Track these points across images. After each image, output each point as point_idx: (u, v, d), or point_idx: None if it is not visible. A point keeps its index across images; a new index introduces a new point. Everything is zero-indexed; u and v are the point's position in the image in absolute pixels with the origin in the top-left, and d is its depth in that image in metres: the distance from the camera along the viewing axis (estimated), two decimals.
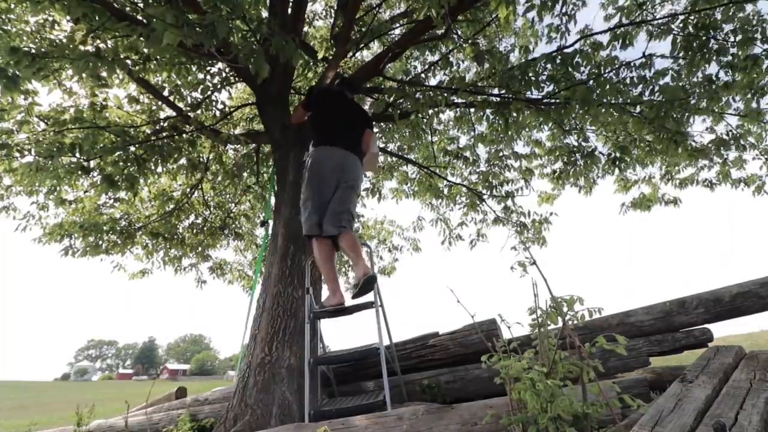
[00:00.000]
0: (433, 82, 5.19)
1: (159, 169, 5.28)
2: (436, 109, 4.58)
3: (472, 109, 5.23)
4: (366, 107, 5.94)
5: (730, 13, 3.42)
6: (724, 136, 4.50)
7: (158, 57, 3.72)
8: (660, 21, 3.74)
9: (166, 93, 4.81)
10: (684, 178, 5.40)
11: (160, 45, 2.48)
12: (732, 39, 3.45)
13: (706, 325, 2.92)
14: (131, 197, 5.57)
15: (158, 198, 6.24)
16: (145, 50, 3.62)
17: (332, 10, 5.72)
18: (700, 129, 4.84)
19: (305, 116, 3.41)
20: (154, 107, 5.23)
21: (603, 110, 4.00)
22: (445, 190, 6.43)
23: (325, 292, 4.02)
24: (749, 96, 3.85)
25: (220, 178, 6.36)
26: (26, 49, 3.00)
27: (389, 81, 5.33)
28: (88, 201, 5.66)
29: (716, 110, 4.21)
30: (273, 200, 4.17)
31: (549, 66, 4.00)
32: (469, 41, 4.57)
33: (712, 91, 3.78)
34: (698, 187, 5.34)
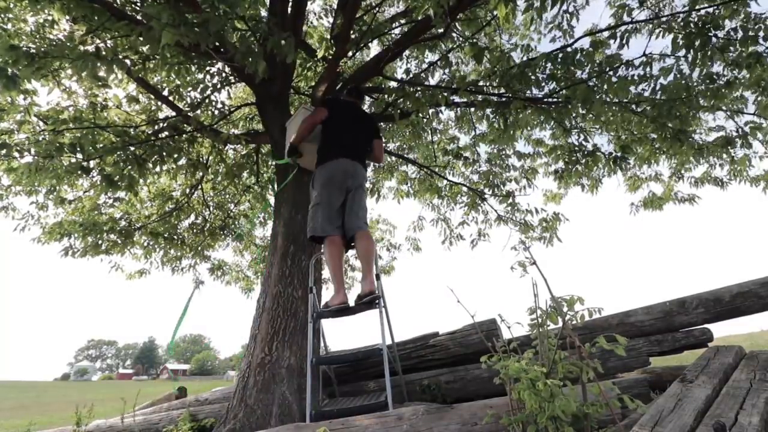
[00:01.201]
0: (433, 81, 5.19)
1: (159, 169, 5.27)
2: (436, 109, 4.58)
3: (473, 109, 5.22)
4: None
5: (733, 9, 3.40)
6: (734, 133, 4.44)
7: (157, 56, 3.72)
8: (661, 20, 3.73)
9: (165, 93, 4.81)
10: (698, 178, 5.33)
11: (158, 44, 2.48)
12: (734, 37, 3.43)
13: (706, 325, 2.92)
14: (131, 197, 5.57)
15: (158, 198, 6.24)
16: (144, 50, 3.61)
17: (332, 10, 5.72)
18: (710, 126, 4.78)
19: (319, 122, 3.33)
20: (153, 107, 5.22)
21: (605, 108, 4.00)
22: (446, 189, 6.42)
23: (325, 293, 4.03)
24: (759, 93, 3.83)
25: (220, 178, 6.36)
26: (25, 48, 2.99)
27: (389, 81, 5.33)
28: (88, 201, 5.66)
29: (724, 108, 4.19)
30: (273, 200, 4.17)
31: (549, 65, 3.99)
32: (469, 40, 4.56)
33: (714, 89, 3.76)
34: (708, 186, 5.30)
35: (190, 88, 4.88)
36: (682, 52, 3.58)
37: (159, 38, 2.42)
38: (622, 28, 3.72)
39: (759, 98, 3.93)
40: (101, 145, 4.32)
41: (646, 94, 3.99)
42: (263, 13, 4.09)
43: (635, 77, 3.89)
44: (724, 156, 4.81)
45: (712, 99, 3.86)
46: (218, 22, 2.52)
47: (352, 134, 3.31)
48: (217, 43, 2.94)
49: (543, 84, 4.18)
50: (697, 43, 3.39)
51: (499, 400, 2.02)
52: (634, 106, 4.14)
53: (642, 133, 4.66)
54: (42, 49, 3.11)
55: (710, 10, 3.48)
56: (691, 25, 3.49)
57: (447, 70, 5.18)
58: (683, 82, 3.79)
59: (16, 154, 4.21)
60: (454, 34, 4.61)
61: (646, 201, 5.73)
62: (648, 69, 3.83)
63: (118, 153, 4.41)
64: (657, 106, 3.83)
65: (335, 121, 3.31)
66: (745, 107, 4.34)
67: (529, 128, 5.46)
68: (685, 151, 4.35)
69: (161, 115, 5.19)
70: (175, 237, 6.37)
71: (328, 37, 5.03)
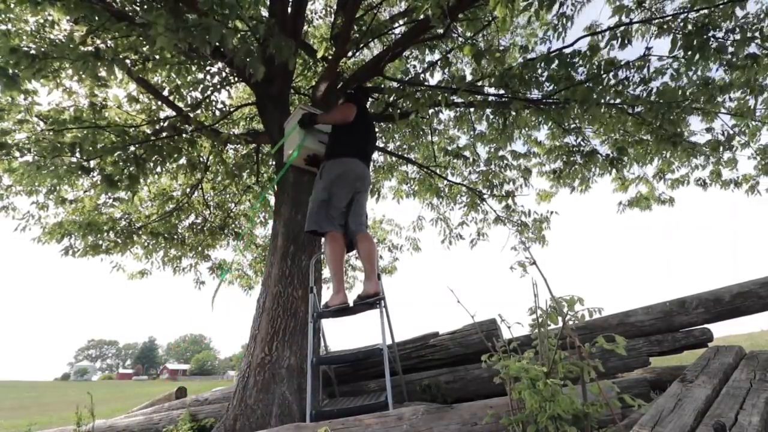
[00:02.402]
0: (433, 81, 5.19)
1: (159, 169, 5.27)
2: (435, 109, 4.58)
3: (472, 109, 5.23)
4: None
5: (730, 12, 3.41)
6: (720, 136, 4.48)
7: (158, 57, 3.73)
8: (660, 20, 3.74)
9: (165, 93, 4.81)
10: (676, 179, 5.40)
11: (157, 47, 2.48)
12: (731, 38, 3.44)
13: (706, 325, 2.92)
14: (131, 197, 5.57)
15: (158, 198, 6.24)
16: (145, 49, 3.62)
17: (332, 10, 5.72)
18: (696, 128, 4.83)
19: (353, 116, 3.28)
20: (153, 107, 5.22)
21: (602, 110, 4.01)
22: (446, 190, 6.43)
23: (325, 292, 4.03)
24: (746, 94, 3.85)
25: (220, 178, 6.36)
26: (26, 49, 2.99)
27: (389, 81, 5.33)
28: (88, 200, 5.66)
29: (713, 110, 4.21)
30: (273, 200, 4.17)
31: (548, 66, 4.00)
32: (468, 41, 4.56)
33: (708, 92, 3.79)
34: (691, 187, 5.36)
35: (190, 88, 4.88)
36: (680, 53, 3.58)
37: (156, 41, 2.42)
38: (621, 28, 3.72)
39: (746, 98, 3.95)
40: (101, 145, 4.32)
41: (644, 96, 4.01)
42: (264, 12, 4.09)
43: (632, 79, 3.91)
44: (711, 159, 4.85)
45: (706, 103, 3.88)
46: (218, 30, 2.52)
47: (365, 136, 3.33)
48: (216, 44, 2.95)
49: (542, 85, 4.19)
50: (695, 44, 3.40)
51: (499, 400, 2.02)
52: (630, 109, 4.15)
53: (637, 135, 4.68)
54: (42, 49, 3.11)
55: (708, 11, 3.49)
56: (690, 26, 3.50)
57: (447, 70, 5.18)
58: (677, 85, 3.82)
59: (17, 154, 4.22)
60: (454, 35, 4.62)
61: (632, 200, 5.78)
62: (645, 71, 3.85)
63: (118, 153, 4.41)
64: (653, 108, 3.85)
65: (356, 117, 3.29)
66: (722, 108, 4.36)
67: (527, 128, 5.47)
68: (678, 153, 4.38)
69: (161, 115, 5.19)
70: (176, 237, 6.37)
71: (329, 37, 5.03)
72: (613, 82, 3.88)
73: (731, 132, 4.42)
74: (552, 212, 6.01)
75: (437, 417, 1.94)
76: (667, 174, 5.40)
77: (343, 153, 3.14)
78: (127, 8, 3.23)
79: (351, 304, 2.93)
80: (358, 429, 1.98)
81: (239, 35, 3.18)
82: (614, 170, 5.01)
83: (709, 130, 4.68)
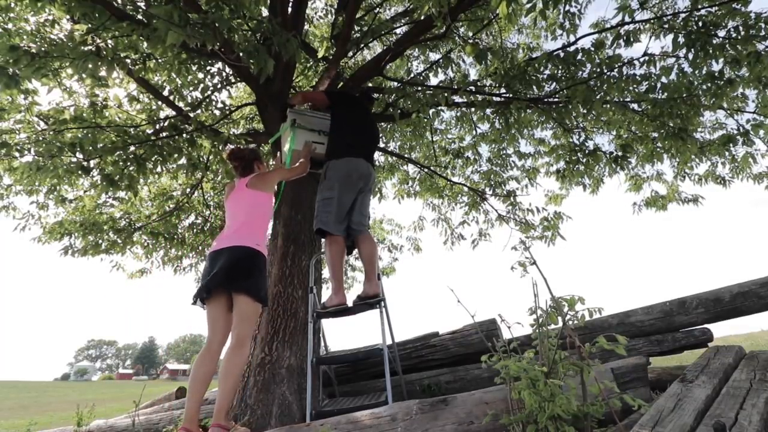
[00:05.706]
0: (433, 81, 5.19)
1: (159, 169, 5.26)
2: (437, 109, 4.57)
3: (473, 109, 5.22)
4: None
5: (732, 9, 3.39)
6: (734, 131, 4.41)
7: (159, 57, 3.72)
8: (662, 20, 3.73)
9: (165, 93, 4.81)
10: (702, 175, 5.29)
11: (163, 45, 2.48)
12: (734, 36, 3.42)
13: (706, 325, 2.92)
14: (131, 197, 5.56)
15: (158, 198, 6.24)
16: (145, 49, 3.61)
17: (332, 10, 5.72)
18: (711, 125, 4.78)
19: (320, 105, 3.46)
20: (154, 107, 5.22)
21: (607, 107, 3.99)
22: (447, 189, 6.41)
23: (325, 292, 4.03)
24: (759, 91, 3.82)
25: (220, 178, 6.36)
26: (26, 48, 2.99)
27: (389, 81, 5.32)
28: (88, 200, 5.66)
29: (725, 106, 4.18)
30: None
31: (549, 65, 3.99)
32: (470, 40, 4.56)
33: (716, 87, 3.76)
34: (710, 185, 5.30)
35: (190, 88, 4.88)
36: (683, 51, 3.57)
37: (164, 39, 2.41)
38: (625, 27, 3.72)
39: (759, 96, 3.93)
40: (101, 145, 4.31)
41: (648, 93, 3.99)
42: (264, 12, 4.09)
43: (636, 76, 3.89)
44: (726, 154, 4.79)
45: (713, 98, 3.85)
46: (226, 22, 2.53)
47: (368, 136, 3.34)
48: (218, 44, 2.94)
49: (543, 84, 4.17)
50: (698, 43, 3.39)
51: (494, 394, 2.00)
52: (635, 106, 4.14)
53: (643, 132, 4.65)
54: (42, 48, 3.11)
55: (711, 9, 3.48)
56: (692, 24, 3.49)
57: (448, 70, 5.18)
58: (684, 80, 3.79)
59: (17, 154, 4.22)
60: (455, 34, 4.61)
61: (648, 200, 5.72)
62: (649, 68, 3.84)
63: (119, 153, 4.40)
64: (658, 104, 3.83)
65: (352, 118, 3.30)
66: (746, 105, 4.34)
67: (530, 128, 5.46)
68: (689, 148, 4.33)
69: (161, 115, 5.19)
70: (176, 237, 6.37)
71: (329, 36, 5.03)
72: (617, 76, 3.86)
73: (747, 128, 4.34)
74: (560, 213, 5.91)
75: (432, 417, 1.93)
76: (689, 171, 5.29)
77: (347, 152, 3.13)
78: (128, 7, 3.23)
79: (349, 305, 2.93)
80: (356, 428, 1.98)
81: (243, 34, 3.18)
82: (619, 168, 4.97)
83: (722, 126, 4.62)
